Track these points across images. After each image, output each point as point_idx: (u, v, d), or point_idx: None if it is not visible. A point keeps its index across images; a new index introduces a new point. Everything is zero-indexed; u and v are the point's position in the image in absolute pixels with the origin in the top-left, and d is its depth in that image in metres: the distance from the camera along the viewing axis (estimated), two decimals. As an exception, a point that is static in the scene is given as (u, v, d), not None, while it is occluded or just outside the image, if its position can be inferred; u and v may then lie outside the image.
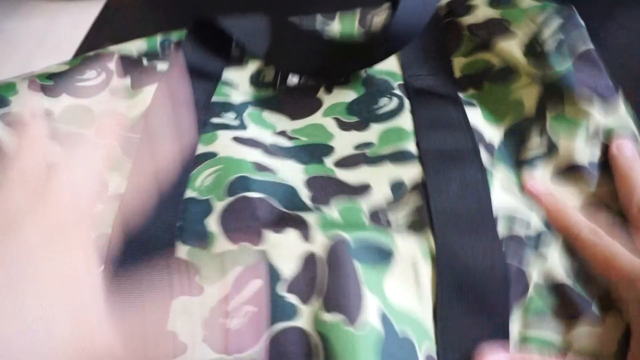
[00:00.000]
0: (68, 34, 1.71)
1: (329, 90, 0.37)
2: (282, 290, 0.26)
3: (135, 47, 0.38)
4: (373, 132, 0.33)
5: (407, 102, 0.34)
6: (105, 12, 0.57)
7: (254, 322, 0.25)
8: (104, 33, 0.54)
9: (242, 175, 0.30)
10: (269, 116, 0.36)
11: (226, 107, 0.36)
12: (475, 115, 0.34)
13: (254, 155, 0.32)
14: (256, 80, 0.39)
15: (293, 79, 0.38)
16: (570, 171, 0.30)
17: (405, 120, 0.33)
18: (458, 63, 0.37)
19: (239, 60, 0.40)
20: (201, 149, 0.32)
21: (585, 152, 0.30)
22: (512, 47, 0.34)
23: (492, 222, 0.28)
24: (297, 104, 0.36)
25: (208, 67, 0.38)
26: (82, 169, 0.24)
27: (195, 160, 0.32)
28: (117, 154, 0.32)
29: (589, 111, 0.30)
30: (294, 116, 0.36)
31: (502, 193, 0.29)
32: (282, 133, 0.35)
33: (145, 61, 0.37)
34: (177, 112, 0.33)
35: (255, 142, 0.33)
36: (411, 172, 0.30)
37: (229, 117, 0.35)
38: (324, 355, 0.23)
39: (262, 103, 0.37)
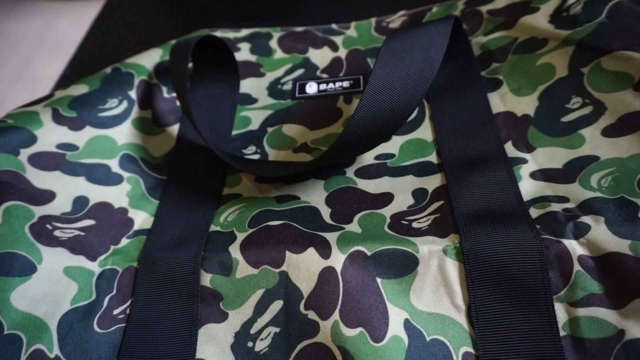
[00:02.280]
0: (67, 34, 1.70)
1: (348, 100, 0.36)
2: (302, 308, 0.25)
3: (150, 62, 0.37)
4: (394, 144, 0.33)
5: (426, 107, 0.34)
6: (105, 12, 0.57)
7: (278, 342, 0.25)
8: (104, 33, 0.55)
9: (263, 210, 0.30)
10: (289, 129, 0.35)
11: (246, 139, 0.36)
12: (503, 93, 0.33)
13: (277, 189, 0.32)
14: (274, 89, 0.38)
15: (311, 88, 0.37)
16: (624, 121, 0.28)
17: (425, 131, 0.33)
18: (477, 42, 0.36)
19: (256, 71, 0.40)
20: (226, 190, 0.33)
21: (638, 98, 0.28)
22: (536, 19, 0.34)
23: (522, 211, 0.26)
24: (317, 114, 0.36)
25: (223, 87, 0.38)
26: None
27: (219, 199, 0.32)
28: (142, 192, 0.33)
29: (632, 56, 0.29)
30: (313, 126, 0.35)
31: (533, 180, 0.28)
32: (303, 145, 0.34)
33: (165, 92, 0.37)
34: (201, 155, 0.34)
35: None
36: (433, 181, 0.30)
37: (250, 153, 0.35)
38: None
39: (281, 114, 0.36)
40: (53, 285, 0.26)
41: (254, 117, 0.37)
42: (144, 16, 0.57)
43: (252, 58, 0.41)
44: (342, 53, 0.40)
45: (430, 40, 0.28)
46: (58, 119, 0.32)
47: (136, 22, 0.56)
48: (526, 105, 0.32)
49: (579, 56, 0.31)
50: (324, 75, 0.39)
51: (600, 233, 0.24)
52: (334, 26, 0.42)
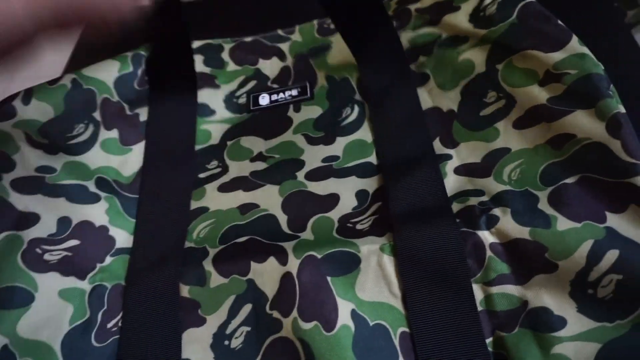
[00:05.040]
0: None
1: (297, 109, 0.40)
2: (268, 309, 0.30)
3: (110, 77, 0.39)
4: (338, 146, 0.37)
5: (366, 107, 0.38)
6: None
7: (250, 339, 0.30)
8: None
9: (231, 226, 0.34)
10: (246, 141, 0.39)
11: (208, 155, 0.39)
12: (430, 88, 0.37)
13: (238, 198, 0.36)
14: (230, 102, 0.42)
15: (264, 100, 0.41)
16: (530, 114, 0.32)
17: (366, 132, 0.37)
18: (406, 37, 0.40)
19: (211, 82, 0.43)
20: (194, 204, 0.36)
21: (542, 92, 0.32)
22: (457, 18, 0.37)
23: (446, 208, 0.31)
24: (270, 124, 0.40)
25: (182, 98, 0.41)
26: None
27: (189, 215, 0.36)
28: (119, 211, 0.36)
29: (537, 55, 0.32)
30: (267, 136, 0.39)
31: (456, 176, 0.33)
32: (259, 155, 0.38)
33: (127, 110, 0.39)
34: (168, 173, 0.37)
35: (236, 183, 0.37)
36: (373, 183, 0.34)
37: (212, 167, 0.38)
38: (306, 357, 0.28)
39: (239, 128, 0.40)
40: (51, 309, 0.30)
41: (214, 130, 0.40)
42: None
43: (207, 70, 0.44)
44: (290, 61, 0.43)
45: None
46: (32, 142, 0.34)
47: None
48: (450, 100, 0.36)
49: (494, 54, 0.34)
50: (275, 86, 0.42)
51: (507, 223, 0.29)
52: (280, 32, 0.45)
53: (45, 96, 0.36)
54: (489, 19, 0.35)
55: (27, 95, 0.36)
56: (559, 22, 0.33)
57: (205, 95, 0.42)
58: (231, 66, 0.44)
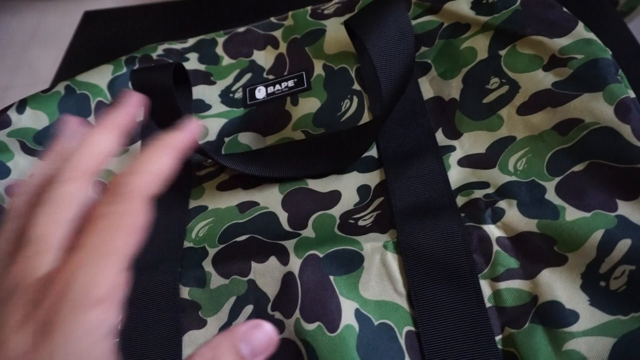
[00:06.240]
0: (57, 27, 1.73)
1: (295, 102, 0.39)
2: (270, 310, 0.29)
3: (104, 80, 0.39)
4: None
5: (365, 97, 0.36)
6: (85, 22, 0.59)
7: None
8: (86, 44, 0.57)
9: (230, 225, 0.33)
10: (244, 137, 0.38)
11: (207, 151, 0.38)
12: (431, 77, 0.35)
13: (237, 196, 0.35)
14: (226, 97, 0.41)
15: (260, 93, 0.40)
16: (535, 99, 0.30)
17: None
18: None
19: (207, 79, 0.42)
20: (192, 203, 0.36)
21: (547, 76, 0.30)
22: (459, 5, 0.36)
23: (450, 202, 0.29)
24: (268, 119, 0.39)
25: (178, 94, 0.40)
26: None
27: (187, 214, 0.35)
28: None
29: (542, 40, 0.31)
30: (266, 132, 0.38)
31: (460, 168, 0.31)
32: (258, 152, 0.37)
33: None
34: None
35: (235, 181, 0.36)
36: (375, 177, 0.33)
37: (210, 164, 0.38)
38: (309, 358, 0.27)
39: (235, 123, 0.39)
40: None
41: (210, 126, 0.39)
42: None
43: (202, 67, 0.43)
44: (283, 48, 0.42)
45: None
46: (27, 150, 0.34)
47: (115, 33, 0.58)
48: (452, 88, 0.34)
49: (497, 40, 0.33)
50: (271, 77, 0.41)
51: (513, 215, 0.27)
52: (273, 20, 0.44)
53: (39, 104, 0.37)
54: (492, 6, 0.34)
55: (22, 104, 0.36)
56: (564, 9, 0.31)
57: (200, 91, 0.41)
58: (226, 60, 0.43)
